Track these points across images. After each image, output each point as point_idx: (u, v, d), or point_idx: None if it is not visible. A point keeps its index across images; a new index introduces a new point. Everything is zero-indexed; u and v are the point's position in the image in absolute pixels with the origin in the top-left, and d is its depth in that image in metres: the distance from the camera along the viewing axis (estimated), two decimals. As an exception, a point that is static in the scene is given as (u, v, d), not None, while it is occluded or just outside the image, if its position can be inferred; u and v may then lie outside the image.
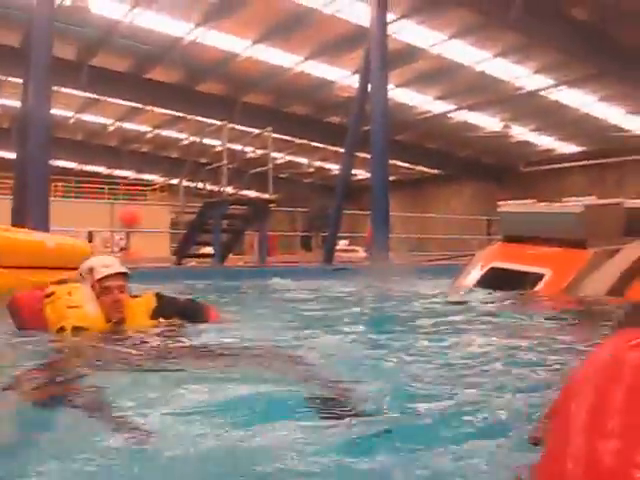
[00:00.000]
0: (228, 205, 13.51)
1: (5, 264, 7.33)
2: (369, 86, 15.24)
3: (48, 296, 3.82)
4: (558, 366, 2.77)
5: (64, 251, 8.36)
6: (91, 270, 4.06)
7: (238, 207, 14.41)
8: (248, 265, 14.25)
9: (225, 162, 13.36)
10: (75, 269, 8.48)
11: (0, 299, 5.99)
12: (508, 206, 8.22)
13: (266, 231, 14.61)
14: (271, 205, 14.12)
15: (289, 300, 6.93)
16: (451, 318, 4.76)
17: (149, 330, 3.84)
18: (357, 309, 6.24)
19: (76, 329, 3.71)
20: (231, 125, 15.99)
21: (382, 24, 15.16)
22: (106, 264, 4.10)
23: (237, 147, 16.97)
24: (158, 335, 3.70)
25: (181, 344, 3.54)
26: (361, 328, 4.17)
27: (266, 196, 13.77)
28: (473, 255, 8.83)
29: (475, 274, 7.48)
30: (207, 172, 15.68)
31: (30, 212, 11.29)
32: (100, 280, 3.98)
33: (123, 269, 4.11)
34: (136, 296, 4.15)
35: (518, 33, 18.73)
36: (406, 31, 19.55)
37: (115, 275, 4.03)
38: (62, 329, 3.71)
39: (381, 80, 15.08)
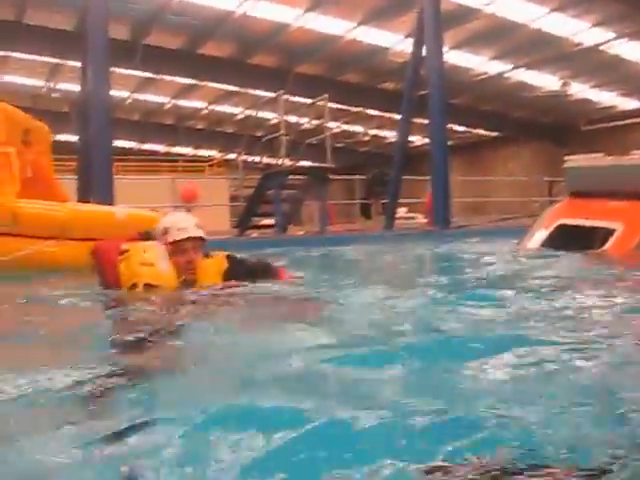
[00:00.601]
0: (287, 175, 13.54)
1: (76, 236, 7.47)
2: (423, 49, 15.03)
3: (122, 253, 3.86)
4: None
5: (134, 222, 8.26)
6: (166, 231, 4.06)
7: (297, 177, 14.43)
8: (310, 234, 14.29)
9: (282, 133, 13.37)
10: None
11: (72, 271, 6.17)
12: (574, 161, 7.97)
13: (326, 200, 14.62)
14: (329, 173, 14.11)
15: (353, 263, 6.93)
16: (522, 278, 4.65)
17: (219, 289, 3.86)
18: (425, 272, 6.21)
19: (148, 286, 3.77)
20: (286, 97, 15.97)
21: (435, -16, 14.90)
22: (181, 227, 4.06)
23: (292, 118, 16.97)
24: (227, 294, 3.72)
25: (245, 301, 3.56)
26: (430, 290, 4.11)
27: (324, 165, 13.75)
28: (536, 215, 8.65)
29: (542, 233, 7.29)
30: (263, 145, 15.74)
31: (95, 191, 11.52)
32: (173, 243, 4.00)
33: (198, 233, 4.09)
34: (209, 256, 4.15)
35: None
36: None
37: (189, 238, 4.03)
38: (134, 286, 3.76)
39: (436, 42, 14.86)
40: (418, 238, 12.00)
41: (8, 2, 19.53)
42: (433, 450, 1.32)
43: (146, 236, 4.18)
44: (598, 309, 3.02)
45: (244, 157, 16.56)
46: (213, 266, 4.08)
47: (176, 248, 3.98)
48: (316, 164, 13.92)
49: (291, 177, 14.00)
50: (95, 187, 11.81)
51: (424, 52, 15.05)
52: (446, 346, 2.25)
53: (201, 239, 4.11)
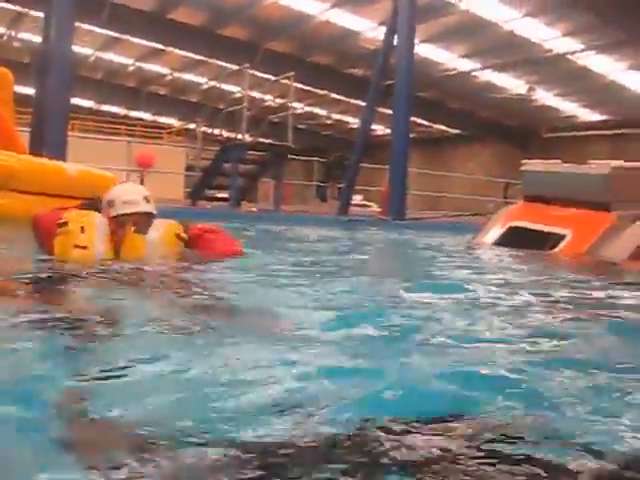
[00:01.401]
0: (246, 150, 13.39)
1: (24, 189, 7.28)
2: (395, 38, 14.95)
3: (61, 226, 3.69)
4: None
5: (86, 180, 8.22)
6: (111, 204, 3.87)
7: (256, 153, 14.28)
8: (263, 211, 14.17)
9: (245, 105, 13.19)
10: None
11: (19, 224, 5.98)
12: (532, 165, 8.06)
13: (282, 178, 14.50)
14: (289, 152, 13.99)
15: (301, 246, 6.84)
16: (469, 270, 4.65)
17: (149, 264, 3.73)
18: (369, 257, 6.18)
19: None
20: (251, 72, 15.76)
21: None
22: (128, 200, 3.87)
23: (256, 94, 16.77)
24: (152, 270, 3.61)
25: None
26: (382, 278, 4.05)
27: (284, 143, 13.63)
28: (491, 214, 8.74)
29: (495, 232, 7.37)
30: (224, 118, 15.52)
31: (48, 146, 11.23)
32: (117, 217, 3.83)
33: (146, 208, 3.92)
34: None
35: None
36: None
37: (134, 213, 3.86)
38: (63, 262, 3.63)
39: (408, 32, 14.76)
40: (371, 225, 11.99)
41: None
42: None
43: (92, 205, 4.00)
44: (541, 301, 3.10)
45: (204, 128, 16.30)
46: (161, 240, 3.93)
47: (120, 222, 3.81)
48: (276, 142, 13.77)
49: (250, 152, 13.84)
50: (48, 142, 11.53)
51: (395, 41, 14.97)
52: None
53: (149, 214, 3.95)
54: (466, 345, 2.04)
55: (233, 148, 13.33)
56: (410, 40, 14.89)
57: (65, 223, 3.69)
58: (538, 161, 8.23)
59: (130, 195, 3.94)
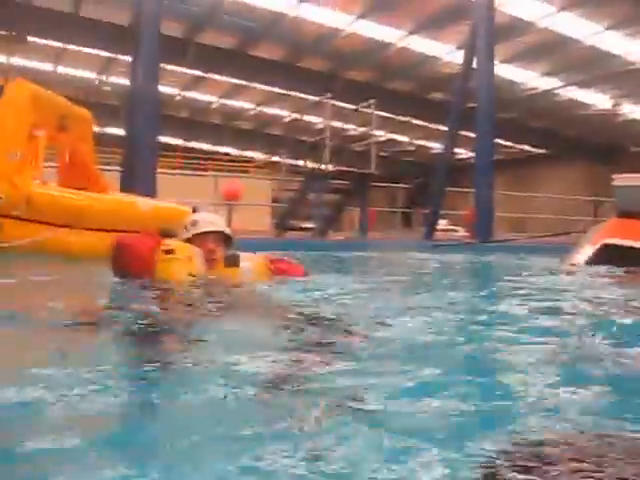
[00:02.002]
0: (330, 179, 13.53)
1: (96, 226, 7.29)
2: (474, 61, 14.92)
3: (168, 252, 3.83)
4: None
5: (159, 214, 8.16)
6: (194, 223, 4.14)
7: (340, 182, 14.41)
8: (349, 238, 14.25)
9: (327, 136, 13.35)
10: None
11: (87, 263, 6.12)
12: (624, 179, 7.77)
13: (367, 206, 14.58)
14: (372, 180, 14.05)
15: (394, 268, 6.87)
16: (563, 292, 4.55)
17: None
18: (468, 281, 6.13)
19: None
20: (332, 102, 15.96)
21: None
22: (210, 221, 4.18)
23: (338, 124, 16.95)
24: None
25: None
26: (462, 296, 4.04)
27: (368, 171, 13.69)
28: (582, 233, 8.49)
29: (587, 251, 7.13)
30: (308, 149, 15.74)
31: (138, 184, 11.63)
32: (199, 235, 4.05)
33: (225, 230, 4.18)
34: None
35: (632, 2, 17.91)
36: (512, 3, 18.96)
37: (215, 233, 4.10)
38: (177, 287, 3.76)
39: (487, 55, 14.77)
40: (458, 249, 11.89)
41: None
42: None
43: (167, 233, 4.15)
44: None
45: (288, 160, 16.59)
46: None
47: (201, 240, 4.02)
48: (359, 170, 13.85)
49: (334, 181, 13.98)
50: (139, 179, 11.94)
51: (475, 64, 14.94)
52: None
53: (227, 238, 4.18)
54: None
55: (317, 178, 13.49)
56: (490, 62, 14.87)
57: (172, 251, 3.84)
58: (631, 175, 7.93)
59: (211, 218, 4.30)
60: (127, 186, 12.63)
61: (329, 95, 14.10)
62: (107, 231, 7.25)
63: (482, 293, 4.30)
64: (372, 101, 13.99)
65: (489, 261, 9.33)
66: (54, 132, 8.23)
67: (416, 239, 15.26)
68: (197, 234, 4.05)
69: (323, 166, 13.67)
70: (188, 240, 4.04)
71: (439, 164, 15.78)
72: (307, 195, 13.95)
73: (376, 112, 15.23)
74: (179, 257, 3.83)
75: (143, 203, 8.54)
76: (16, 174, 7.10)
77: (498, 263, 8.77)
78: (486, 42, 14.64)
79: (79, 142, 8.86)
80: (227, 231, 4.18)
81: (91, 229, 7.27)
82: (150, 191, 11.37)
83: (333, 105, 16.10)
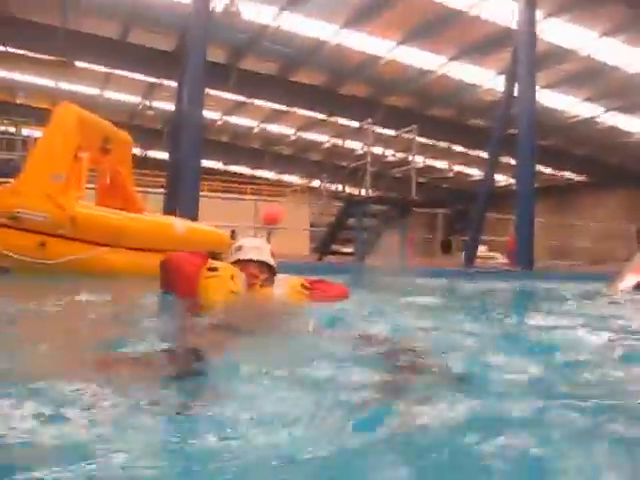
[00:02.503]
0: (370, 203, 13.56)
1: (132, 245, 7.51)
2: (515, 88, 14.90)
3: (212, 270, 3.88)
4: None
5: (194, 237, 8.51)
6: (239, 248, 4.17)
7: (380, 207, 14.43)
8: (390, 264, 14.22)
9: (368, 161, 13.41)
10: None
11: (123, 281, 6.23)
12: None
13: (407, 231, 14.58)
14: (413, 205, 14.06)
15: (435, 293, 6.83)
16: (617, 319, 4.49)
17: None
18: (517, 309, 6.09)
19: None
20: (372, 127, 16.05)
21: (530, 23, 14.80)
22: (256, 246, 4.20)
23: (378, 150, 17.01)
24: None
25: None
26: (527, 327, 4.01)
27: (408, 197, 13.70)
28: (626, 261, 8.41)
29: (632, 279, 7.07)
30: (347, 174, 15.81)
31: (181, 206, 11.81)
32: (242, 261, 4.07)
33: (269, 260, 4.15)
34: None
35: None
36: (553, 31, 18.97)
37: (258, 262, 4.09)
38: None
39: (528, 81, 14.72)
40: (499, 277, 11.82)
41: (116, 21, 20.35)
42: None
43: (214, 255, 4.26)
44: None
45: (327, 185, 16.68)
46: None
47: (244, 266, 4.04)
48: (400, 195, 13.88)
49: (374, 207, 14.00)
50: (182, 203, 12.11)
51: (516, 91, 14.91)
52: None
53: (271, 268, 4.16)
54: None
55: (358, 203, 13.54)
56: (531, 88, 14.83)
57: (216, 269, 3.89)
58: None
59: (257, 243, 4.31)
60: (170, 208, 12.86)
61: (370, 121, 14.16)
62: (144, 250, 7.53)
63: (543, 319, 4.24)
64: (414, 126, 14.03)
65: (533, 288, 9.25)
66: (97, 154, 8.44)
67: (455, 266, 15.17)
68: (240, 260, 4.09)
69: (363, 191, 13.72)
70: (232, 263, 4.07)
71: (480, 190, 15.71)
72: (347, 219, 13.98)
73: (416, 138, 15.30)
74: (222, 275, 3.88)
75: (179, 225, 8.75)
76: (61, 195, 7.29)
77: (541, 290, 8.68)
78: (527, 69, 14.62)
79: (119, 164, 9.08)
80: (270, 261, 4.17)
81: (130, 248, 7.45)
82: (192, 213, 11.53)
83: (373, 131, 16.20)
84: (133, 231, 7.66)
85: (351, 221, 13.80)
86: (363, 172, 13.70)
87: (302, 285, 4.12)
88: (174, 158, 13.80)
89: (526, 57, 14.63)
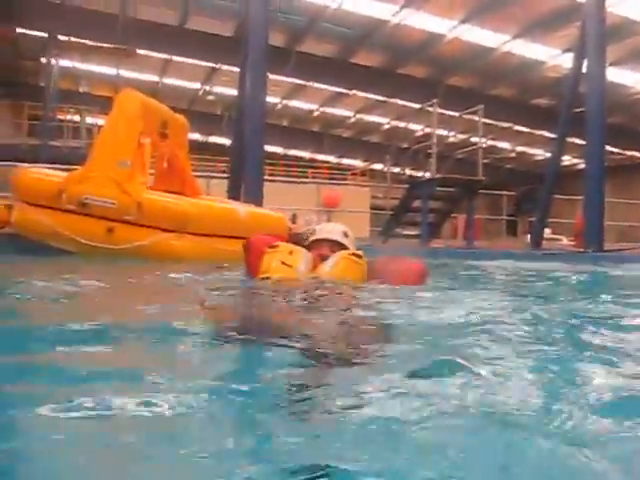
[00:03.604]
0: (436, 185, 13.33)
1: (198, 231, 7.57)
2: (584, 64, 14.44)
3: (272, 247, 4.02)
4: None
5: (255, 221, 8.49)
6: (313, 232, 4.34)
7: (446, 189, 14.19)
8: (456, 247, 14.01)
9: (434, 142, 13.18)
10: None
11: (192, 264, 6.28)
12: None
13: (474, 213, 14.31)
14: (480, 187, 13.79)
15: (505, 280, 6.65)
16: None
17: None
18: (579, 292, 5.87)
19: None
20: (432, 109, 15.81)
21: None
22: (328, 230, 4.32)
23: (440, 131, 16.73)
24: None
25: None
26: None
27: (475, 178, 13.45)
28: None
29: None
30: (408, 156, 15.58)
31: (246, 192, 11.79)
32: (315, 241, 4.18)
33: (334, 237, 4.19)
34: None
35: None
36: (621, 4, 18.26)
37: (329, 241, 4.15)
38: (266, 279, 3.85)
39: (598, 57, 14.20)
40: (569, 259, 11.49)
41: (174, 8, 20.46)
42: None
43: (295, 238, 4.44)
44: None
45: (390, 167, 16.48)
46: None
47: (316, 246, 4.13)
48: (467, 177, 13.62)
49: (439, 189, 13.78)
50: (246, 188, 12.09)
51: (584, 67, 14.46)
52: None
53: (338, 243, 4.17)
54: None
55: (423, 184, 13.34)
56: (601, 64, 14.31)
57: (277, 246, 4.03)
58: None
59: (330, 227, 4.48)
60: (233, 193, 12.88)
61: (435, 101, 13.90)
62: (210, 236, 7.58)
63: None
64: (480, 107, 13.74)
65: (607, 271, 8.92)
66: (156, 139, 8.48)
67: (522, 248, 14.87)
68: (313, 241, 4.20)
69: (428, 173, 13.51)
70: (307, 247, 4.13)
71: (547, 171, 15.31)
72: (412, 202, 13.80)
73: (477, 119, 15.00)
74: (279, 250, 3.98)
75: (242, 210, 8.77)
76: (127, 181, 7.37)
77: (623, 274, 8.32)
78: (597, 44, 14.10)
79: (177, 148, 9.10)
80: (341, 240, 4.18)
81: (195, 234, 7.50)
82: (258, 198, 11.50)
83: (437, 112, 15.92)
84: (199, 217, 7.69)
85: (416, 203, 13.61)
86: (425, 154, 13.49)
87: (354, 254, 4.06)
88: (237, 143, 13.78)
89: (595, 32, 14.10)
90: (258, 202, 11.22)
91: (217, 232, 7.78)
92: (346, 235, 4.25)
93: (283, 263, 3.90)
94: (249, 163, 12.33)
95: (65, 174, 7.81)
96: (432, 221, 13.80)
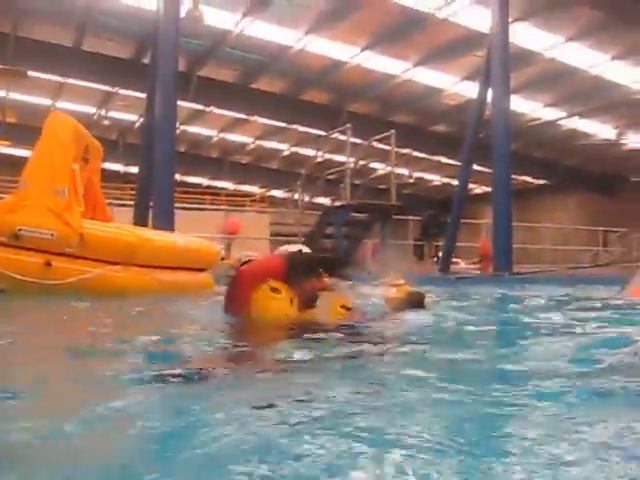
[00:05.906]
0: (351, 211, 13.26)
1: (140, 262, 7.28)
2: (489, 92, 14.83)
3: (274, 291, 3.76)
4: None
5: (191, 250, 8.45)
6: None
7: (358, 214, 14.12)
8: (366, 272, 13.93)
9: (349, 167, 13.14)
10: (202, 270, 8.50)
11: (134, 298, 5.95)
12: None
13: (388, 238, 14.33)
14: (394, 211, 13.78)
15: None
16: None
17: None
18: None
19: None
20: (334, 135, 15.82)
21: (504, 26, 14.72)
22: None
23: (340, 158, 16.73)
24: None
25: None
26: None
27: (390, 203, 13.42)
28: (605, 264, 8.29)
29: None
30: (304, 183, 15.42)
31: (157, 219, 11.40)
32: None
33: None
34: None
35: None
36: (520, 35, 18.86)
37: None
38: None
39: (503, 85, 14.63)
40: (483, 282, 11.61)
41: (71, 28, 19.68)
42: None
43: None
44: None
45: (284, 194, 16.38)
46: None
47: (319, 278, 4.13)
48: (380, 202, 13.61)
49: (353, 214, 13.71)
50: (156, 215, 11.69)
51: (489, 95, 14.85)
52: None
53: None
54: None
55: (338, 210, 13.23)
56: (506, 93, 14.74)
57: (278, 290, 3.78)
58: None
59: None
60: (140, 220, 12.43)
61: (348, 126, 13.87)
62: (153, 267, 7.22)
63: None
64: (392, 132, 13.67)
65: (530, 294, 8.98)
66: (81, 164, 8.02)
67: (431, 272, 14.96)
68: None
69: (337, 201, 13.46)
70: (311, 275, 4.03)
71: (455, 196, 15.59)
72: (325, 228, 13.68)
73: (379, 145, 15.11)
74: (284, 297, 3.77)
75: (180, 240, 8.59)
76: (66, 211, 6.95)
77: (545, 296, 8.38)
78: (502, 73, 14.54)
79: (92, 173, 8.75)
80: None
81: (141, 266, 7.22)
82: (169, 226, 11.13)
83: (334, 138, 15.93)
84: (143, 248, 7.37)
85: (330, 230, 13.50)
86: (336, 180, 13.45)
87: (342, 306, 4.01)
88: (145, 170, 13.30)
89: (500, 61, 14.52)
90: (170, 229, 10.90)
91: (159, 263, 7.54)
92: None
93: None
94: (159, 189, 11.95)
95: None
96: (346, 247, 13.70)
